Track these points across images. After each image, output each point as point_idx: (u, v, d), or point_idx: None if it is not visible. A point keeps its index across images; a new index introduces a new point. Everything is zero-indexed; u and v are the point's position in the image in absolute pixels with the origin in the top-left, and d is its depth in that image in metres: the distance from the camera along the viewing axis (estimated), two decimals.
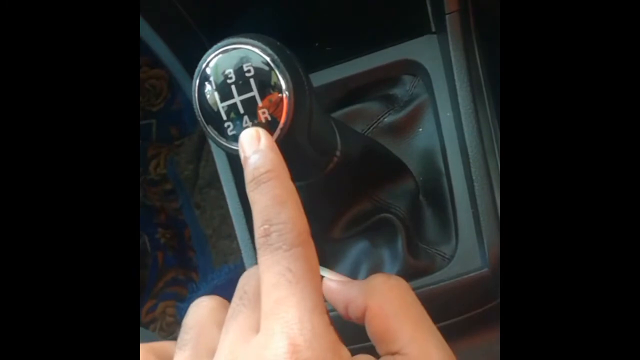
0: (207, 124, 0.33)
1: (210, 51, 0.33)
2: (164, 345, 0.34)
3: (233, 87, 0.32)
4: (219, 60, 0.33)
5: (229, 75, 0.32)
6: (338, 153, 0.41)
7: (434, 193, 0.52)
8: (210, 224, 1.15)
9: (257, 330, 0.28)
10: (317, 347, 0.26)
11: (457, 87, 0.47)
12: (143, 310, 1.13)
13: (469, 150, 0.47)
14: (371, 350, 0.29)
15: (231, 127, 0.33)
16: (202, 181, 1.17)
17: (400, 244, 0.49)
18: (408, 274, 0.48)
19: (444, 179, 0.51)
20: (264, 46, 0.32)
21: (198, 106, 0.33)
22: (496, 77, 0.50)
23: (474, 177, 0.46)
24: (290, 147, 0.32)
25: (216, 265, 1.13)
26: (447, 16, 0.47)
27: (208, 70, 0.33)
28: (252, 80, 0.32)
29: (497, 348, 0.31)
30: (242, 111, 0.32)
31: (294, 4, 0.50)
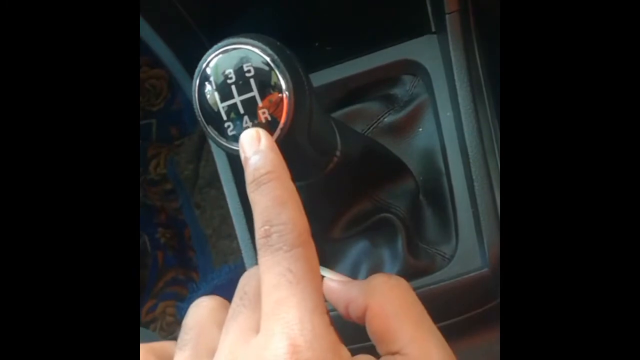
0: (207, 124, 0.33)
1: (210, 51, 0.33)
2: (164, 345, 0.34)
3: (233, 87, 0.32)
4: (219, 60, 0.33)
5: (229, 75, 0.32)
6: (338, 153, 0.41)
7: (434, 193, 0.52)
8: (210, 223, 1.15)
9: (257, 330, 0.28)
10: (317, 348, 0.26)
11: (457, 87, 0.47)
12: (143, 310, 1.13)
13: (469, 150, 0.47)
14: (371, 350, 0.29)
15: (231, 127, 0.33)
16: (202, 181, 1.17)
17: (400, 243, 0.49)
18: (408, 274, 0.48)
19: (444, 179, 0.51)
20: (264, 46, 0.32)
21: (198, 106, 0.33)
22: (496, 76, 0.50)
23: (474, 177, 0.46)
24: (290, 147, 0.32)
25: (216, 265, 1.13)
26: (447, 16, 0.47)
27: (208, 70, 0.33)
28: (252, 80, 0.32)
29: (497, 348, 0.31)
30: (242, 111, 0.32)
31: (294, 4, 0.50)
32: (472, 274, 0.46)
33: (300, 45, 0.36)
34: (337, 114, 0.55)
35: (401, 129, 0.54)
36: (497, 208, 0.46)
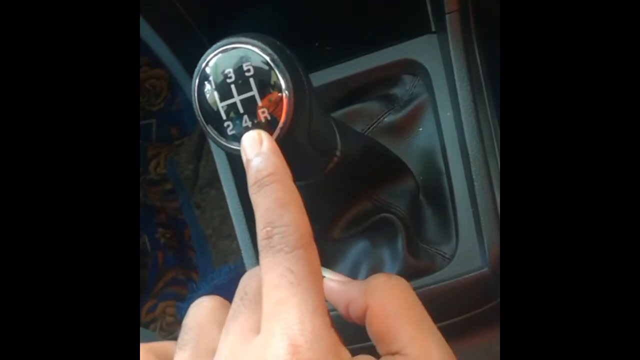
0: (207, 124, 0.33)
1: (210, 50, 0.33)
2: (164, 345, 0.34)
3: (233, 86, 0.32)
4: (219, 60, 0.33)
5: (229, 75, 0.32)
6: (338, 153, 0.41)
7: (434, 193, 0.52)
8: (210, 223, 1.15)
9: (257, 331, 0.28)
10: (317, 349, 0.26)
11: (457, 86, 0.47)
12: (143, 310, 1.13)
13: (469, 149, 0.47)
14: (371, 350, 0.29)
15: (231, 126, 0.33)
16: (202, 181, 1.17)
17: (400, 243, 0.49)
18: (408, 274, 0.48)
19: (444, 179, 0.51)
20: (263, 45, 0.32)
21: (198, 106, 0.33)
22: (496, 76, 0.50)
23: (474, 177, 0.46)
24: (290, 147, 0.32)
25: (216, 265, 1.13)
26: (447, 16, 0.47)
27: (208, 70, 0.33)
28: (251, 80, 0.32)
29: (497, 348, 0.31)
30: (241, 110, 0.32)
31: (294, 4, 0.50)
32: (472, 274, 0.46)
33: (300, 45, 0.36)
34: (337, 114, 0.55)
35: (401, 128, 0.54)
36: (497, 208, 0.46)
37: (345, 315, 0.32)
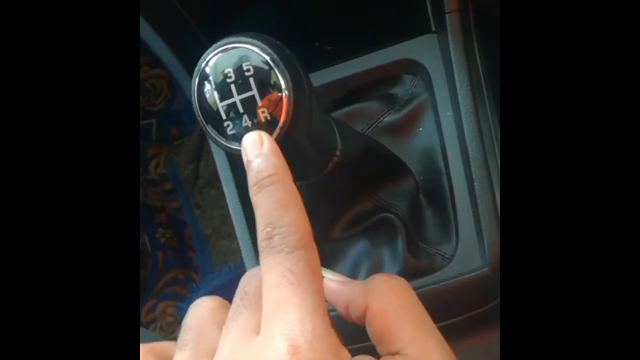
0: (207, 124, 0.33)
1: (209, 50, 0.33)
2: (164, 345, 0.34)
3: (232, 86, 0.32)
4: (219, 59, 0.32)
5: (229, 75, 0.32)
6: (338, 153, 0.41)
7: (434, 192, 0.52)
8: (210, 223, 1.15)
9: (257, 331, 0.28)
10: (317, 349, 0.26)
11: (457, 86, 0.47)
12: (143, 310, 1.13)
13: (469, 149, 0.47)
14: (372, 350, 0.29)
15: (231, 126, 0.33)
16: (202, 181, 1.17)
17: (400, 243, 0.49)
18: (408, 274, 0.48)
19: (444, 179, 0.51)
20: (263, 45, 0.32)
21: (197, 105, 0.33)
22: (496, 76, 0.50)
23: (474, 177, 0.46)
24: (290, 146, 0.32)
25: (216, 265, 1.13)
26: (447, 15, 0.47)
27: (207, 70, 0.33)
28: (251, 80, 0.32)
29: (497, 348, 0.31)
30: (241, 110, 0.32)
31: (294, 4, 0.50)
32: (472, 274, 0.46)
33: (300, 45, 0.36)
34: (337, 114, 0.55)
35: (401, 128, 0.54)
36: (497, 208, 0.46)
37: (345, 315, 0.32)
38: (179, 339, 0.32)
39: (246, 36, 0.32)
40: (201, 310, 0.32)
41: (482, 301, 0.48)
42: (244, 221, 0.51)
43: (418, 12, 0.51)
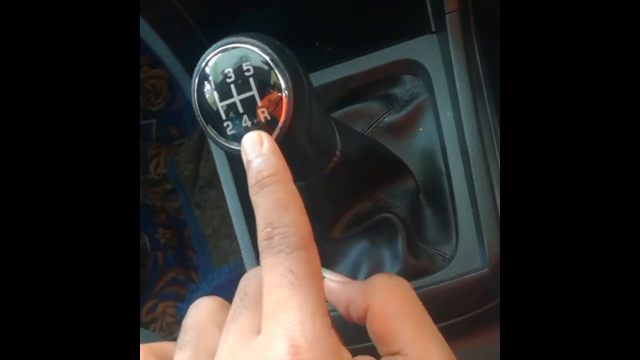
0: (207, 124, 0.33)
1: (209, 50, 0.33)
2: (164, 345, 0.34)
3: (232, 86, 0.32)
4: (219, 60, 0.32)
5: (229, 75, 0.32)
6: (338, 153, 0.41)
7: (434, 193, 0.52)
8: (210, 223, 1.15)
9: (257, 332, 0.28)
10: (318, 349, 0.26)
11: (457, 86, 0.47)
12: (143, 310, 1.13)
13: (469, 149, 0.47)
14: (372, 350, 0.29)
15: (230, 126, 0.33)
16: (202, 181, 1.17)
17: (400, 244, 0.49)
18: (408, 274, 0.48)
19: (444, 179, 0.51)
20: (263, 45, 0.32)
21: (197, 105, 0.33)
22: (496, 76, 0.50)
23: (474, 177, 0.46)
24: (290, 146, 0.32)
25: (216, 265, 1.13)
26: (447, 15, 0.47)
27: (207, 70, 0.33)
28: (251, 80, 0.32)
29: (497, 348, 0.31)
30: (241, 110, 0.32)
31: (294, 4, 0.50)
32: (472, 274, 0.46)
33: (300, 45, 0.36)
34: (337, 114, 0.55)
35: (401, 128, 0.54)
36: (497, 208, 0.46)
37: (345, 315, 0.32)
38: (179, 339, 0.32)
39: (246, 36, 0.32)
40: (201, 310, 0.32)
41: (482, 301, 0.48)
42: (244, 221, 0.51)
43: (418, 13, 0.51)
